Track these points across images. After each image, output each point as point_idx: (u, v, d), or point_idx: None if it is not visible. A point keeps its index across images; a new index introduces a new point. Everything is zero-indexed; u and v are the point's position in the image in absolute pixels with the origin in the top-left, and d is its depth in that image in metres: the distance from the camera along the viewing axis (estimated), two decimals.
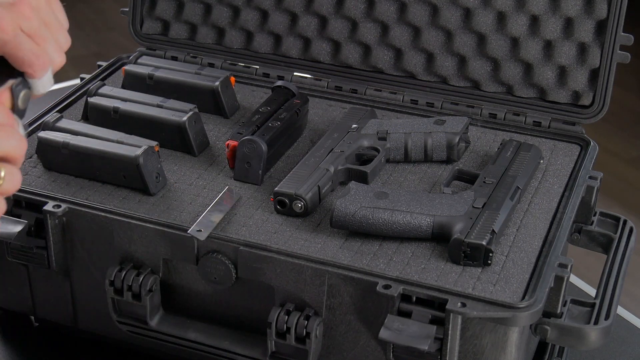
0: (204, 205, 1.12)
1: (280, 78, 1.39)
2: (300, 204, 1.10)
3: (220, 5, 1.42)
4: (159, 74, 1.33)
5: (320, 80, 1.39)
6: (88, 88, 1.30)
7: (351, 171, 1.16)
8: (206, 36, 1.44)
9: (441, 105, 1.32)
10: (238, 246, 1.04)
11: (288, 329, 1.02)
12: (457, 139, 1.20)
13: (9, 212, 1.12)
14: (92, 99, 1.27)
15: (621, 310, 1.29)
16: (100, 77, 1.40)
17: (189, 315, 1.12)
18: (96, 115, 1.26)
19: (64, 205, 1.10)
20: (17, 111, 0.74)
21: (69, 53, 0.78)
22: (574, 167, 1.20)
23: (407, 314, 0.98)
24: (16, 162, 0.72)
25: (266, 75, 1.41)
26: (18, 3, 0.73)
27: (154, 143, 1.15)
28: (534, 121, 1.28)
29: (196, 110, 1.24)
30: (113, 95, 1.27)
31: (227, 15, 1.42)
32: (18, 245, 1.12)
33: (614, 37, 1.24)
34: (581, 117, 1.27)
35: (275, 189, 1.11)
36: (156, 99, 1.26)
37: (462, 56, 1.32)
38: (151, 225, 1.07)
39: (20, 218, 1.11)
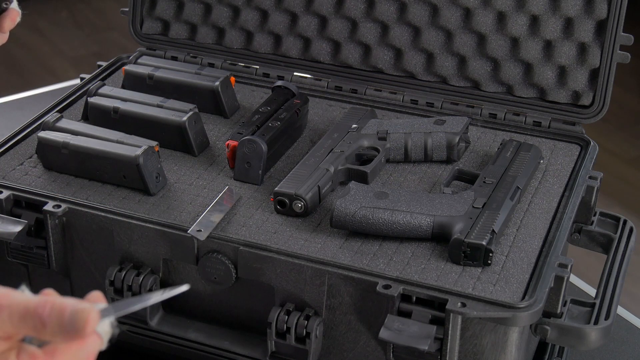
0: (204, 205, 1.12)
1: (280, 78, 1.39)
2: (300, 204, 1.10)
3: (220, 5, 1.42)
4: (159, 74, 1.33)
5: (320, 80, 1.39)
6: (88, 88, 1.30)
7: (351, 171, 1.16)
8: (206, 36, 1.44)
9: (441, 105, 1.32)
10: (238, 246, 1.04)
11: (288, 329, 1.02)
12: (457, 139, 1.20)
13: (8, 212, 1.12)
14: (92, 99, 1.27)
15: (621, 310, 1.29)
16: (100, 77, 1.40)
17: (189, 315, 1.12)
18: (96, 115, 1.26)
19: (64, 205, 1.10)
20: None
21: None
22: (574, 167, 1.20)
23: (407, 314, 0.98)
24: None
25: (266, 75, 1.41)
26: None
27: (154, 143, 1.15)
28: (534, 121, 1.28)
29: (196, 110, 1.24)
30: (113, 95, 1.27)
31: (227, 15, 1.42)
32: (18, 245, 1.12)
33: (614, 37, 1.24)
34: (581, 117, 1.27)
35: (275, 189, 1.11)
36: (156, 99, 1.26)
37: (462, 56, 1.32)
38: (151, 225, 1.07)
39: (20, 218, 1.11)
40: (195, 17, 1.44)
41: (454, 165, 1.20)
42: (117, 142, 1.16)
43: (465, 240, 1.01)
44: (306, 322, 1.02)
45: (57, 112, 1.29)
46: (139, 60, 1.38)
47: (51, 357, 0.63)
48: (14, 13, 1.07)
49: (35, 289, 1.22)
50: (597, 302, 1.03)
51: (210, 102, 1.31)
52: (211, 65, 1.42)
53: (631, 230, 1.19)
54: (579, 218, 1.18)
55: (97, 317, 0.63)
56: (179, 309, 1.12)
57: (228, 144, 1.18)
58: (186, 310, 1.12)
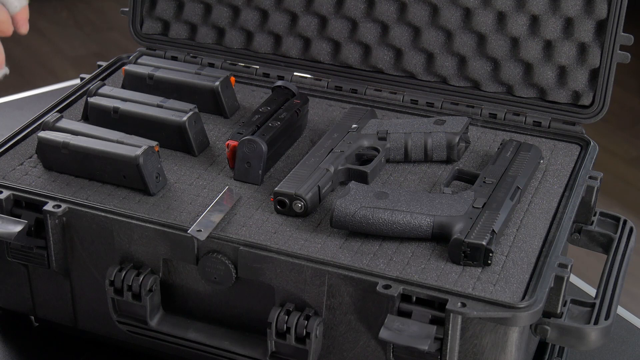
0: (204, 205, 1.12)
1: (280, 78, 1.39)
2: (300, 204, 1.10)
3: (220, 5, 1.42)
4: (159, 74, 1.33)
5: (320, 80, 1.39)
6: (88, 88, 1.30)
7: (351, 171, 1.16)
8: (206, 36, 1.44)
9: (441, 105, 1.32)
10: (238, 246, 1.04)
11: (288, 329, 1.02)
12: (457, 139, 1.20)
13: (8, 212, 1.12)
14: (92, 99, 1.27)
15: (621, 310, 1.29)
16: (100, 77, 1.40)
17: (189, 315, 1.12)
18: (96, 115, 1.26)
19: (64, 205, 1.10)
20: None
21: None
22: (574, 167, 1.20)
23: (407, 314, 0.98)
24: None
25: (266, 75, 1.41)
26: None
27: (154, 143, 1.15)
28: (534, 121, 1.28)
29: (196, 110, 1.24)
30: (113, 95, 1.27)
31: (227, 15, 1.43)
32: (18, 245, 1.12)
33: (614, 37, 1.24)
34: (581, 117, 1.27)
35: (275, 189, 1.11)
36: (156, 99, 1.26)
37: (462, 56, 1.32)
38: (151, 225, 1.07)
39: (20, 218, 1.11)
40: (195, 17, 1.44)
41: (454, 165, 1.20)
42: (117, 142, 1.16)
43: (465, 240, 1.01)
44: (306, 322, 1.02)
45: (57, 112, 1.29)
46: (139, 60, 1.38)
47: None
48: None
49: (36, 289, 1.23)
50: (597, 302, 1.03)
51: (210, 102, 1.31)
52: (211, 65, 1.42)
53: (631, 230, 1.19)
54: (579, 218, 1.18)
55: None
56: (179, 309, 1.12)
57: (228, 144, 1.18)
58: (186, 310, 1.12)
